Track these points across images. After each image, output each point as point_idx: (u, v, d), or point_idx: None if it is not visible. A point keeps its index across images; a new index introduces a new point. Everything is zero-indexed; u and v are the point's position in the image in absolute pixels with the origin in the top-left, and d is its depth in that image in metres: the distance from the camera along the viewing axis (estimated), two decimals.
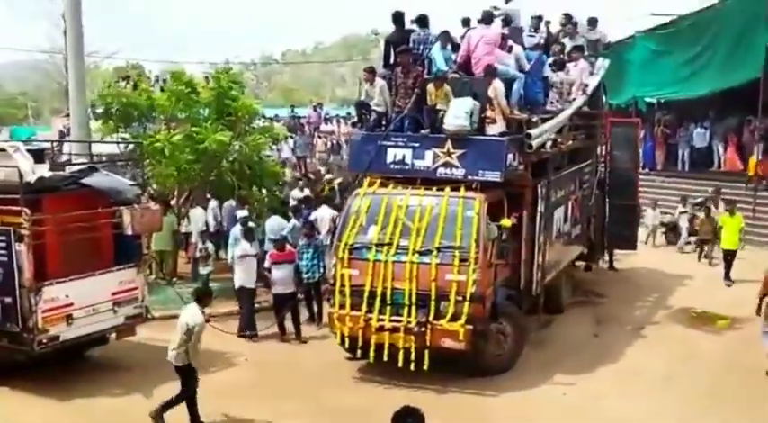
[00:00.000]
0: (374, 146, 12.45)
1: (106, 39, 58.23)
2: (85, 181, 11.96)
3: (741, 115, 25.08)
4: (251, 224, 15.22)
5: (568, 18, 16.86)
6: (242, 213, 15.75)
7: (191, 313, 10.05)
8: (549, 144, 13.67)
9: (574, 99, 14.91)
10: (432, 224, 11.55)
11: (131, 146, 16.53)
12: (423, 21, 13.40)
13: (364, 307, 11.45)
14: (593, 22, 17.27)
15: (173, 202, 17.91)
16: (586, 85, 15.31)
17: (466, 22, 14.44)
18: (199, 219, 17.64)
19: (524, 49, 14.12)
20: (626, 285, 17.66)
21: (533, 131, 12.45)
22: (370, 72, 13.15)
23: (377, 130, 12.70)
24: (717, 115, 26.31)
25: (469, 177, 11.85)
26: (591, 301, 16.41)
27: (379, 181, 12.43)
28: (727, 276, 17.41)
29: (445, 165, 11.98)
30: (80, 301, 11.48)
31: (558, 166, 14.43)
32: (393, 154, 12.32)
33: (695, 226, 20.37)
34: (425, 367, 11.16)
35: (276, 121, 26.27)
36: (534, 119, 12.96)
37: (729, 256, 17.48)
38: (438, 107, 12.20)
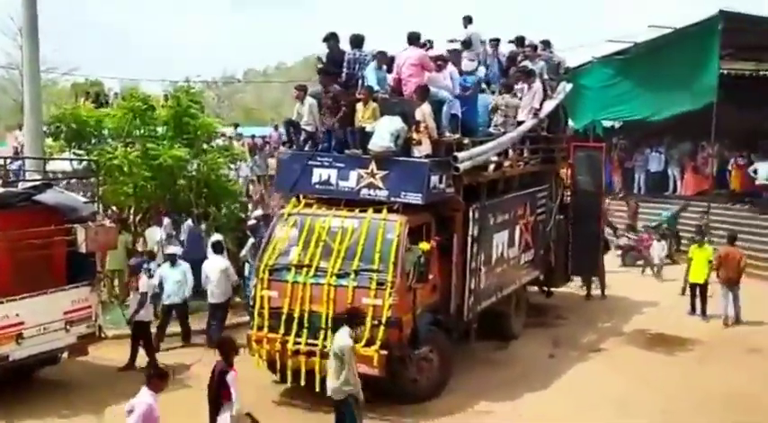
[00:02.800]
0: (300, 165, 12.31)
1: (66, 53, 57.65)
2: (39, 198, 11.79)
3: (695, 140, 25.69)
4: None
5: (520, 41, 16.66)
6: (216, 237, 15.64)
7: (339, 337, 9.73)
8: (491, 167, 13.57)
9: (522, 122, 14.63)
10: (352, 246, 11.35)
11: (85, 163, 16.30)
12: (358, 41, 13.20)
13: (282, 330, 11.22)
14: (547, 44, 17.11)
15: (129, 221, 17.66)
16: (538, 109, 15.03)
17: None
18: (155, 238, 17.40)
19: (462, 73, 13.94)
20: (590, 309, 17.62)
21: (461, 154, 12.20)
22: (300, 90, 13.06)
23: (306, 149, 12.60)
24: (672, 140, 26.90)
25: (392, 199, 11.66)
26: (550, 323, 16.42)
27: (304, 201, 12.31)
28: (699, 311, 16.67)
29: (369, 186, 11.78)
30: (31, 320, 11.23)
31: (504, 190, 14.17)
32: (319, 174, 12.12)
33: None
34: None
35: (237, 140, 26.18)
36: (465, 141, 12.72)
37: (698, 290, 16.79)
38: (364, 127, 12.06)
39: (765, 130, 25.95)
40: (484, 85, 15.08)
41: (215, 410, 8.75)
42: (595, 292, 18.57)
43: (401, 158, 11.81)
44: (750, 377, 12.89)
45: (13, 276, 11.23)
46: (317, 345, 10.99)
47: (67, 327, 11.82)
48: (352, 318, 10.03)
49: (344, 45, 13.25)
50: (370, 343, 10.81)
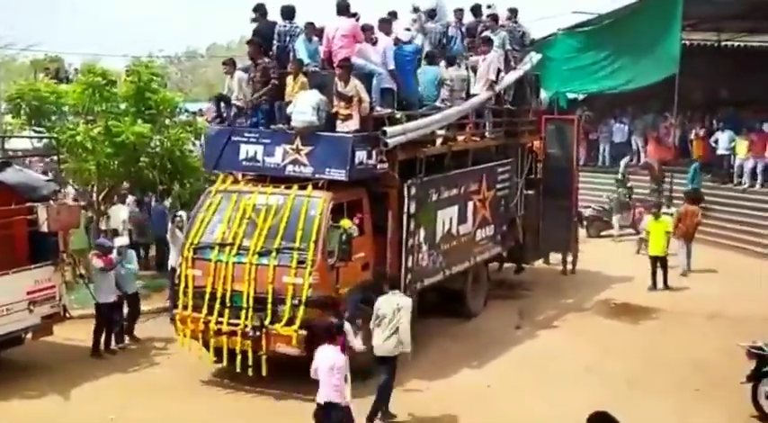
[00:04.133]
0: (227, 141, 12.05)
1: (26, 29, 56.54)
2: None
3: (658, 111, 25.95)
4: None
5: (477, 10, 16.15)
6: (179, 213, 15.48)
7: (397, 299, 10.01)
8: (438, 141, 13.35)
9: (474, 95, 14.28)
10: (276, 224, 11.16)
11: (46, 140, 16.02)
12: (288, 13, 12.85)
13: (205, 309, 11.07)
14: (514, 13, 16.55)
15: (92, 199, 17.41)
16: (494, 81, 14.62)
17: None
18: (120, 216, 17.20)
19: (398, 43, 13.29)
20: (558, 283, 17.58)
21: (390, 129, 11.81)
22: (230, 64, 12.82)
23: (237, 124, 12.37)
24: (635, 111, 27.13)
25: (316, 176, 11.43)
26: (517, 295, 16.49)
27: (231, 178, 12.17)
28: (661, 283, 16.70)
29: (294, 162, 11.52)
30: None
31: (456, 164, 13.82)
32: (246, 150, 11.86)
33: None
34: (263, 373, 10.77)
35: (200, 116, 25.82)
36: (398, 115, 12.31)
37: (659, 263, 16.75)
38: (291, 100, 11.75)
39: (726, 101, 26.30)
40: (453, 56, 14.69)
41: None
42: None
43: (326, 134, 11.56)
44: (711, 344, 13.07)
45: None
46: (238, 324, 10.86)
47: (31, 307, 11.70)
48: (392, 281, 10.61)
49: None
50: (290, 322, 10.64)
